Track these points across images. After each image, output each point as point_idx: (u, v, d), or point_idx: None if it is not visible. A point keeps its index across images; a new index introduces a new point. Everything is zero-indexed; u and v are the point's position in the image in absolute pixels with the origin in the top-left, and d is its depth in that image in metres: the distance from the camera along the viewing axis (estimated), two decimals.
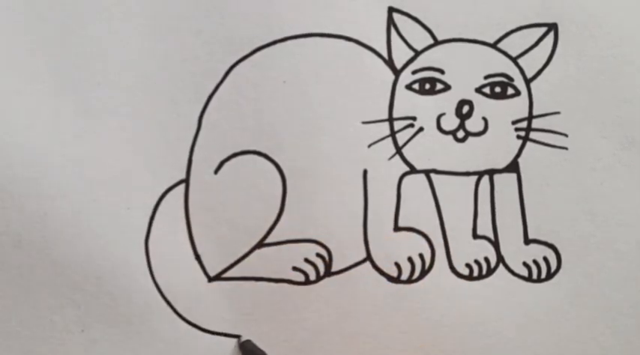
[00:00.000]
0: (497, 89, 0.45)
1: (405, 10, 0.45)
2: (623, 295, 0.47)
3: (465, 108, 0.45)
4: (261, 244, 0.45)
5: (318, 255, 0.45)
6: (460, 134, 0.45)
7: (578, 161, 0.46)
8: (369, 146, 0.45)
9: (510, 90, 0.45)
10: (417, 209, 0.46)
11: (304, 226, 0.45)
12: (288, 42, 0.44)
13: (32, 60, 0.43)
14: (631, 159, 0.46)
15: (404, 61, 0.45)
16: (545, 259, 0.47)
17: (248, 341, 0.45)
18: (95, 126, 0.44)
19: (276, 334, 0.46)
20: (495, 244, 0.47)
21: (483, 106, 0.45)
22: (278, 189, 0.45)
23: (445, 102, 0.45)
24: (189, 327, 0.45)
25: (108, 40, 0.43)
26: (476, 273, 0.46)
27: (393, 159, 0.46)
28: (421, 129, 0.45)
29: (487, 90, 0.45)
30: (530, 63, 0.45)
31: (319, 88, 0.45)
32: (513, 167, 0.46)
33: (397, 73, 0.45)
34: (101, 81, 0.43)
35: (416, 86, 0.45)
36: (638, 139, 0.46)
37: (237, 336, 0.46)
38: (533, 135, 0.46)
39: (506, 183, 0.46)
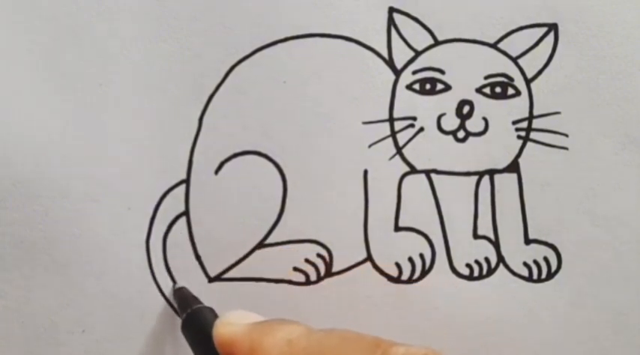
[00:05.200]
0: (498, 89, 0.45)
1: (405, 10, 0.45)
2: (624, 295, 0.47)
3: (466, 109, 0.45)
4: (261, 245, 0.45)
5: (319, 255, 0.46)
6: (460, 134, 0.45)
7: (579, 161, 0.46)
8: (370, 146, 0.45)
9: (511, 91, 0.45)
10: (418, 209, 0.46)
11: (305, 226, 0.45)
12: (289, 42, 0.44)
13: (33, 60, 0.43)
14: (632, 159, 0.46)
15: (404, 62, 0.45)
16: (546, 259, 0.47)
17: (183, 288, 0.45)
18: (95, 126, 0.44)
19: None
20: (496, 244, 0.47)
21: (484, 106, 0.45)
22: (278, 190, 0.45)
23: (445, 103, 0.45)
24: None
25: (109, 41, 0.43)
26: (476, 273, 0.47)
27: (393, 160, 0.46)
28: (422, 129, 0.45)
29: (487, 90, 0.45)
30: (531, 63, 0.45)
31: (320, 88, 0.45)
32: (514, 167, 0.46)
33: (397, 73, 0.45)
34: (102, 81, 0.43)
35: (416, 86, 0.45)
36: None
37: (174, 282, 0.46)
38: (533, 135, 0.46)
39: (506, 183, 0.46)
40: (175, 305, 0.45)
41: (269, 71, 0.44)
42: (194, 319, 0.41)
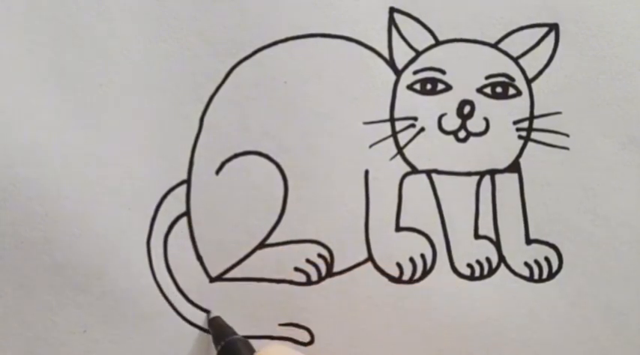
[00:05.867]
0: (499, 89, 0.45)
1: (406, 10, 0.45)
2: (625, 295, 0.47)
3: (467, 109, 0.45)
4: (262, 245, 0.45)
5: (320, 255, 0.46)
6: (461, 134, 0.45)
7: (580, 161, 0.46)
8: (371, 146, 0.45)
9: (511, 91, 0.45)
10: (419, 209, 0.46)
11: (306, 227, 0.45)
12: (290, 42, 0.44)
13: (33, 60, 0.43)
14: (632, 159, 0.46)
15: (405, 62, 0.45)
16: (547, 259, 0.47)
17: (218, 317, 0.45)
18: (96, 126, 0.44)
19: (278, 335, 0.46)
20: (497, 244, 0.47)
21: (484, 106, 0.45)
22: (279, 190, 0.45)
23: (446, 103, 0.45)
24: (191, 328, 0.45)
25: (109, 41, 0.43)
26: (477, 273, 0.47)
27: (394, 160, 0.46)
28: (422, 129, 0.45)
29: (488, 90, 0.45)
30: (532, 63, 0.45)
31: (320, 89, 0.45)
32: (515, 167, 0.46)
33: (398, 73, 0.45)
34: (102, 82, 0.43)
35: (417, 86, 0.45)
36: None
37: (207, 311, 0.46)
38: (534, 135, 0.46)
39: (507, 183, 0.46)
40: (211, 334, 0.45)
41: (269, 71, 0.44)
42: (229, 351, 0.42)
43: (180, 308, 0.45)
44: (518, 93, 0.45)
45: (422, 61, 0.45)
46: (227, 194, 0.45)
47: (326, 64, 0.45)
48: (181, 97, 0.44)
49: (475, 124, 0.45)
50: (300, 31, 0.44)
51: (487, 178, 0.46)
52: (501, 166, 0.46)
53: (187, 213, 0.45)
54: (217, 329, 0.44)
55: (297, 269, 0.46)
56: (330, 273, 0.46)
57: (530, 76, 0.45)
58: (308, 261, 0.46)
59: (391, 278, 0.46)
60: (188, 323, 0.45)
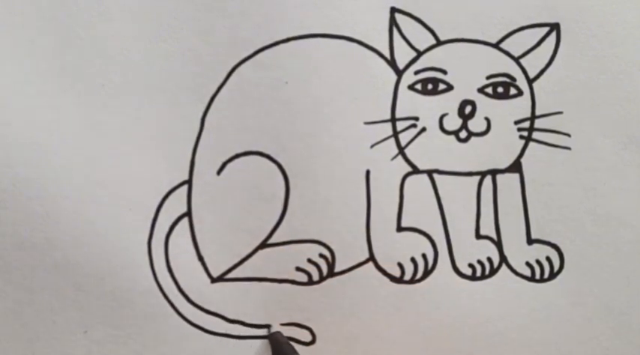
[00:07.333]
0: (500, 89, 0.45)
1: (407, 10, 0.45)
2: (626, 295, 0.47)
3: (468, 109, 0.45)
4: (264, 245, 0.45)
5: (321, 255, 0.46)
6: (463, 134, 0.45)
7: (581, 161, 0.46)
8: (372, 146, 0.45)
9: (513, 90, 0.45)
10: (420, 209, 0.46)
11: (307, 227, 0.45)
12: (291, 42, 0.44)
13: (34, 61, 0.43)
14: (633, 159, 0.46)
15: (406, 62, 0.45)
16: (548, 259, 0.47)
17: (278, 333, 0.46)
18: (97, 127, 0.44)
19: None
20: (498, 244, 0.47)
21: (486, 106, 0.45)
22: (281, 190, 0.45)
23: (448, 103, 0.45)
24: (192, 328, 0.45)
25: (110, 41, 0.43)
26: (479, 273, 0.47)
27: (395, 160, 0.46)
28: (424, 129, 0.45)
29: (489, 90, 0.45)
30: (533, 63, 0.45)
31: (321, 89, 0.45)
32: (516, 167, 0.46)
33: (400, 73, 0.45)
34: (103, 82, 0.43)
35: (418, 86, 0.45)
36: None
37: (268, 326, 0.46)
38: (535, 135, 0.46)
39: (508, 183, 0.46)
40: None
41: (270, 71, 0.44)
42: None
43: (181, 309, 0.45)
44: (520, 93, 0.45)
45: (423, 61, 0.45)
46: (228, 194, 0.45)
47: (327, 64, 0.45)
48: (182, 97, 0.44)
49: (476, 124, 0.45)
50: (301, 31, 0.44)
51: (488, 178, 0.46)
52: (502, 166, 0.46)
53: (188, 214, 0.45)
54: (277, 345, 0.45)
55: (298, 269, 0.46)
56: (332, 273, 0.46)
57: (531, 75, 0.45)
58: (309, 260, 0.46)
59: (392, 279, 0.46)
60: (189, 323, 0.45)
